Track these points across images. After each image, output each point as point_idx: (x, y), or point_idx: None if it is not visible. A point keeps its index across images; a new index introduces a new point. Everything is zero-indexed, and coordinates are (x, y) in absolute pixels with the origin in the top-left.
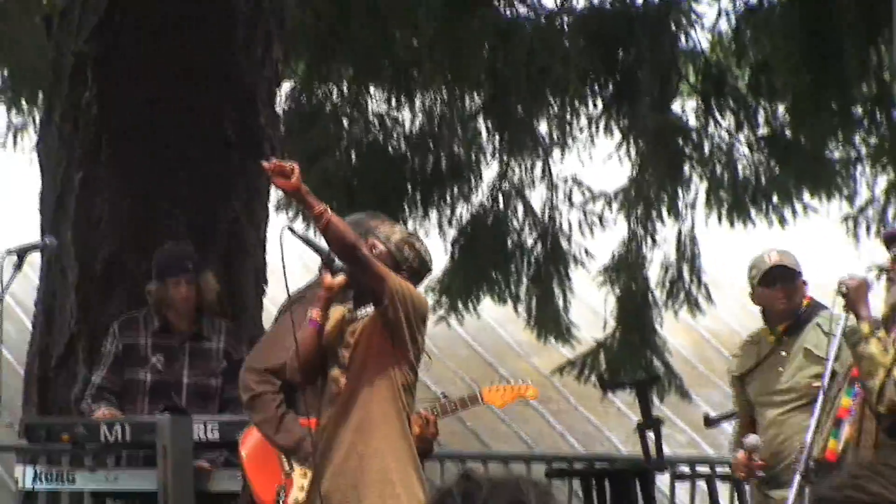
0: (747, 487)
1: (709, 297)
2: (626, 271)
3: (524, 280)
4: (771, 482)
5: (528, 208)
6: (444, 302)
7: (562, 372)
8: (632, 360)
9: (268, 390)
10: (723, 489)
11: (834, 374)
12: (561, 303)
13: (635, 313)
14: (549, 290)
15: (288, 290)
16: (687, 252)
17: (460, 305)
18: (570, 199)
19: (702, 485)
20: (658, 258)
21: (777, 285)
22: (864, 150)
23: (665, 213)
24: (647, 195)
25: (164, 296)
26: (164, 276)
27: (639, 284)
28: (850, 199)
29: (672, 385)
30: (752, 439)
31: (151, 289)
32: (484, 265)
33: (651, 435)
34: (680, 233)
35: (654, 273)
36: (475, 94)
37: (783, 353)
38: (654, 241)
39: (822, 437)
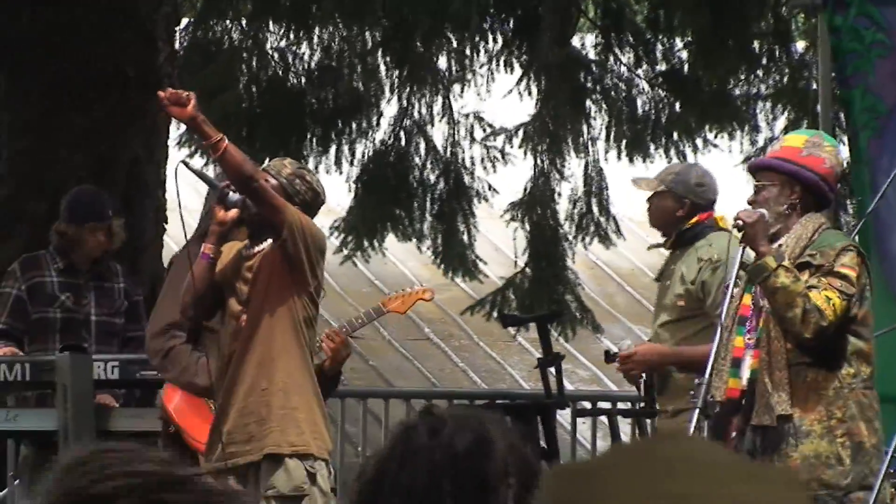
0: (648, 422)
1: (617, 231)
2: (535, 206)
3: (427, 217)
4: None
5: (430, 144)
6: (349, 241)
7: (472, 311)
8: (542, 296)
9: (176, 343)
10: (624, 425)
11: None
12: (466, 239)
13: (546, 248)
14: (453, 227)
15: (184, 224)
16: (594, 186)
17: (366, 244)
18: (471, 135)
19: (603, 420)
20: (565, 193)
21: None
22: (763, 88)
23: (569, 148)
24: (552, 130)
25: (77, 238)
26: (81, 220)
27: (548, 219)
28: (752, 136)
29: (584, 320)
30: (624, 343)
31: (62, 229)
32: (387, 202)
33: (552, 371)
34: (586, 166)
35: (562, 208)
36: (374, 29)
37: (672, 268)
38: (561, 175)
39: (722, 379)
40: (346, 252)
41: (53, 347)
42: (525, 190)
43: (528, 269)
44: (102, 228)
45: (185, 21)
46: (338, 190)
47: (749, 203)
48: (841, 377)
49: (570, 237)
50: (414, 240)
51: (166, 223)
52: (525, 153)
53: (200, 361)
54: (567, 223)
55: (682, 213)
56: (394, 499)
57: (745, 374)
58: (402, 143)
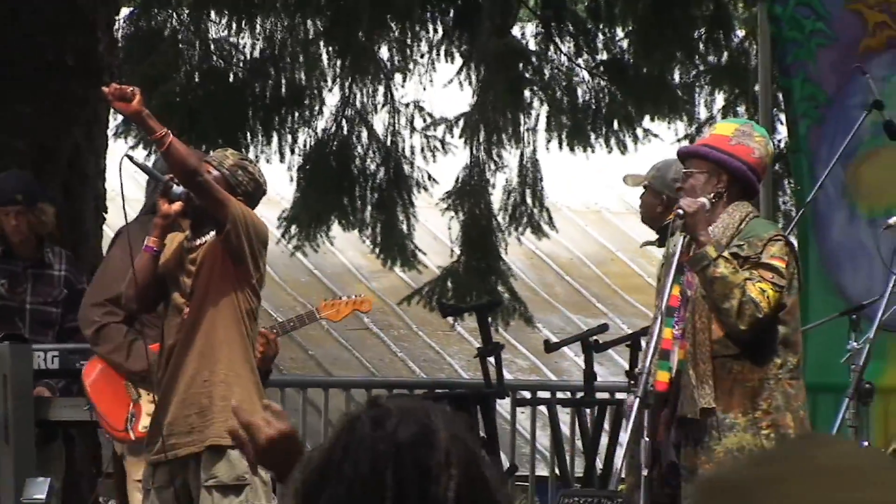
0: (588, 412)
1: (551, 222)
2: (469, 196)
3: (369, 206)
4: None
5: (372, 133)
6: (293, 231)
7: (409, 301)
8: (477, 287)
9: (112, 320)
10: (563, 414)
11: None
12: (405, 228)
13: (480, 239)
14: (393, 216)
15: (126, 218)
16: (529, 177)
17: (311, 234)
18: (412, 125)
19: (543, 410)
20: (500, 183)
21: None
22: (703, 72)
23: (506, 139)
24: (489, 120)
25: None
26: None
27: (482, 210)
28: (691, 120)
29: (516, 311)
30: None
31: None
32: (330, 192)
33: (492, 360)
34: (522, 157)
35: (496, 198)
36: (316, 19)
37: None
38: (497, 165)
39: (652, 372)
40: (293, 243)
41: None
42: (457, 180)
43: (462, 259)
44: (15, 213)
45: (125, 11)
46: (280, 180)
47: (676, 190)
48: (768, 368)
49: (504, 227)
50: (357, 229)
51: (106, 213)
52: (465, 143)
53: (136, 345)
54: (501, 213)
55: (661, 208)
56: (338, 488)
57: (674, 364)
58: (345, 132)
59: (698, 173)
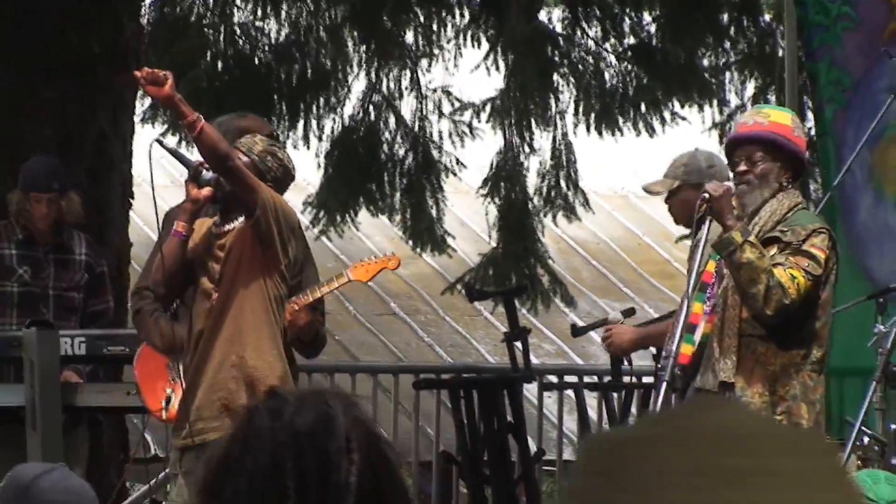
0: (615, 395)
1: (586, 204)
2: (506, 181)
3: (398, 191)
4: None
5: (400, 119)
6: (321, 217)
7: (452, 291)
8: (517, 271)
9: (143, 306)
10: (590, 398)
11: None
12: (434, 213)
13: (517, 223)
14: (422, 201)
15: (155, 203)
16: (563, 159)
17: (338, 219)
18: (439, 110)
19: (570, 394)
20: (534, 167)
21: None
22: (732, 58)
23: (536, 122)
24: (519, 104)
25: (23, 207)
26: (27, 188)
27: (517, 194)
28: (721, 106)
29: (557, 293)
30: (613, 315)
31: (13, 197)
32: (358, 177)
33: (518, 345)
34: (554, 140)
35: (531, 182)
36: (340, 5)
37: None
38: (531, 149)
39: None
40: (319, 228)
41: (10, 322)
42: (493, 165)
43: (499, 245)
44: (47, 200)
45: None
46: (306, 165)
47: (741, 173)
48: (791, 355)
49: (540, 210)
50: (385, 214)
51: (132, 198)
52: (493, 128)
53: (159, 321)
54: (536, 197)
55: None
56: (240, 481)
57: (698, 338)
58: (372, 118)
59: (770, 161)
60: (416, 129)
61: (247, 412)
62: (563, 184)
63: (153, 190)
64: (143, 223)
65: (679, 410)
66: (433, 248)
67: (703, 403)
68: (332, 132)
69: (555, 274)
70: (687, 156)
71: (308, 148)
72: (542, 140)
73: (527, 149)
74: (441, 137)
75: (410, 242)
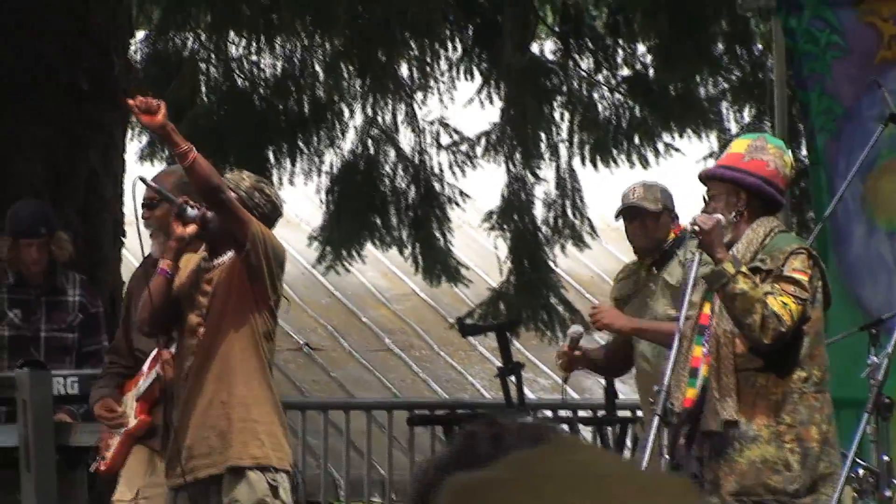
0: (610, 430)
1: (592, 231)
2: (515, 213)
3: (406, 225)
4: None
5: (400, 152)
6: (327, 252)
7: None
8: (532, 303)
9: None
10: (585, 432)
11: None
12: (442, 244)
13: (529, 254)
14: (429, 234)
15: (141, 240)
16: (568, 188)
17: (344, 254)
18: (437, 142)
19: (565, 428)
20: (539, 196)
21: (634, 221)
22: (726, 86)
23: (537, 153)
24: (520, 135)
25: (15, 254)
26: (16, 234)
27: (526, 225)
28: (720, 135)
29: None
30: (574, 328)
31: (3, 244)
32: (362, 212)
33: (512, 379)
34: (558, 169)
35: (538, 212)
36: (335, 38)
37: (651, 287)
38: (537, 178)
39: (681, 389)
40: (325, 264)
41: (2, 365)
42: (503, 196)
43: (512, 277)
44: (37, 245)
45: (141, 33)
46: (300, 202)
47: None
48: (792, 381)
49: (549, 239)
50: (394, 248)
51: (124, 237)
52: (493, 160)
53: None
54: (544, 227)
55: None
56: None
57: (700, 381)
58: (371, 151)
59: (718, 196)
60: (417, 161)
61: (465, 439)
62: (569, 212)
63: (137, 225)
64: (136, 261)
65: (535, 453)
66: (449, 279)
67: (561, 445)
68: (332, 167)
69: (569, 302)
70: (646, 183)
71: (306, 185)
72: (545, 170)
73: (531, 178)
74: (441, 169)
75: (425, 276)
